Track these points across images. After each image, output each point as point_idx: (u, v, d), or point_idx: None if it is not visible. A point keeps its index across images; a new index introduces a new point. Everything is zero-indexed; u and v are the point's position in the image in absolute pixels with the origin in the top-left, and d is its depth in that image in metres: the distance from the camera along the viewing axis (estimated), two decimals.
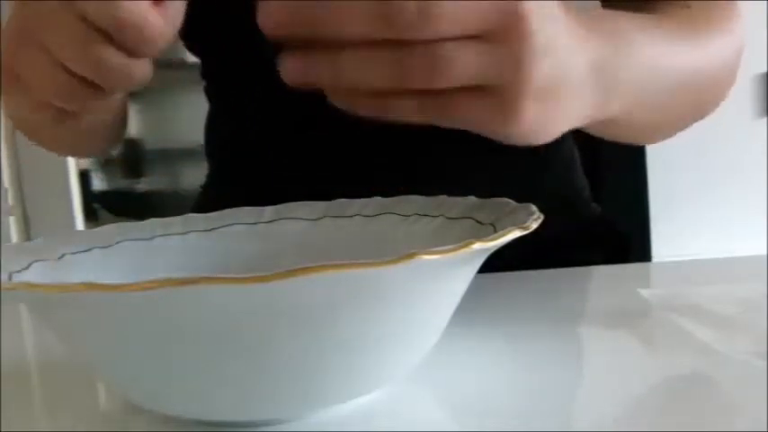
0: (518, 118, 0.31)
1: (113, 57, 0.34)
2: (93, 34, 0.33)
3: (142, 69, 0.35)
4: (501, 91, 0.31)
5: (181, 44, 0.60)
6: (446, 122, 0.32)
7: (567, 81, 0.33)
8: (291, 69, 0.31)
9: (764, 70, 1.87)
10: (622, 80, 0.37)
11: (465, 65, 0.30)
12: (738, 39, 0.50)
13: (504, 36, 0.30)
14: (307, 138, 0.58)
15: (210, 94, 0.66)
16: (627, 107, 0.39)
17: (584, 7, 0.38)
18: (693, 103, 0.48)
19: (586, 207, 0.64)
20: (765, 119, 1.92)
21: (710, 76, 0.48)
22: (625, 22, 0.40)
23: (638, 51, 0.39)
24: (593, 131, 0.43)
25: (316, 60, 0.31)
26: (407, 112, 0.32)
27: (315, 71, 0.31)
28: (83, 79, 0.35)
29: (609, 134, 0.45)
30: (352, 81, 0.31)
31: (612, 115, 0.38)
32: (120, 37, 0.33)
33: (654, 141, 0.53)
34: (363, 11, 0.29)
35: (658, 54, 0.41)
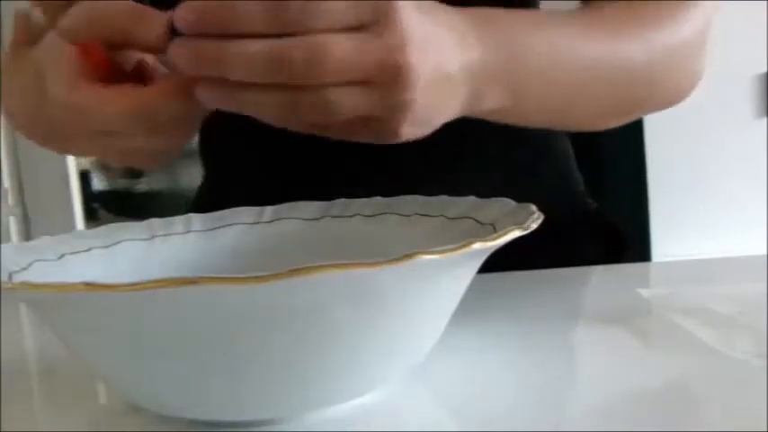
0: (397, 138, 0.36)
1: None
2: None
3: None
4: (383, 121, 0.35)
5: None
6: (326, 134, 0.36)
7: (442, 104, 0.36)
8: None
9: (764, 70, 1.87)
10: (498, 78, 0.38)
11: (351, 107, 0.33)
12: (683, 35, 0.48)
13: (384, 82, 0.33)
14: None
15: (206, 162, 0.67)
16: (506, 103, 0.40)
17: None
18: (615, 98, 0.48)
19: (583, 201, 0.64)
20: (765, 119, 1.91)
21: (632, 70, 0.46)
22: (518, 19, 0.41)
23: (526, 50, 0.40)
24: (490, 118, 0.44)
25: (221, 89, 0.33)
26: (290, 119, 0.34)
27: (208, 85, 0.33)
28: None
29: (506, 120, 0.44)
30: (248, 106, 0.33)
31: (489, 110, 0.40)
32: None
33: (582, 128, 0.51)
34: (259, 51, 0.31)
35: (554, 52, 0.42)
